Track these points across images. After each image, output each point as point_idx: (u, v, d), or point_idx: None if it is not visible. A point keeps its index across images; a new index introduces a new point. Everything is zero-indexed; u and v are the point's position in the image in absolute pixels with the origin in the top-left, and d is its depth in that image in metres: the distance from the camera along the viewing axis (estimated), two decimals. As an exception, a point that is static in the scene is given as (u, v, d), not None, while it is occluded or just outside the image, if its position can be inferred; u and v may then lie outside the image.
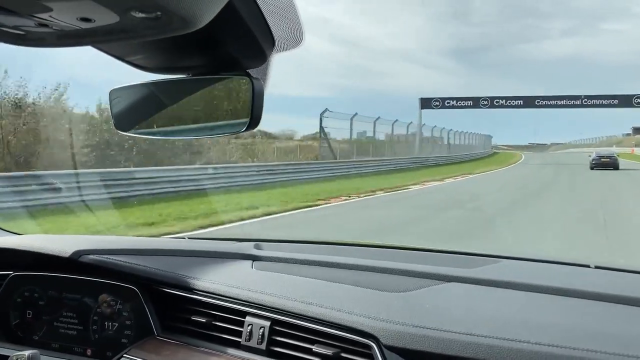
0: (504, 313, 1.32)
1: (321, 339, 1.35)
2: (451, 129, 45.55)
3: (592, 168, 30.39)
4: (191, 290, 1.60)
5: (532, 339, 1.11)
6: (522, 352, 1.09)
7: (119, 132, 1.02)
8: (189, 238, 2.60)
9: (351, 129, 27.30)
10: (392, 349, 1.22)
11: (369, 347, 1.26)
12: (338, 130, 26.55)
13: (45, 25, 0.65)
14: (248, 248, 1.95)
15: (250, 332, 1.46)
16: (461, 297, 1.45)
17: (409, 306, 1.35)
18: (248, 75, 0.88)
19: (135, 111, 1.02)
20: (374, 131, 31.03)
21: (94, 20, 0.64)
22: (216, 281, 1.59)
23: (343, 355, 1.31)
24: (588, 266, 1.73)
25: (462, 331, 1.17)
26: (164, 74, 0.95)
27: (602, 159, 31.15)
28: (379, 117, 30.60)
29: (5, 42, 0.71)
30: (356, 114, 27.13)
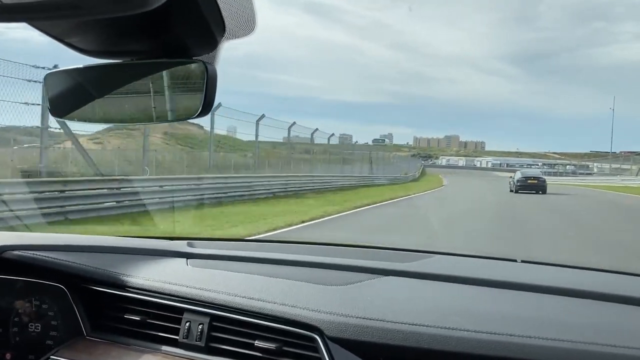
0: (442, 304, 1.37)
1: (263, 334, 1.34)
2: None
3: (516, 191, 26.51)
4: (124, 287, 1.53)
5: (472, 328, 1.16)
6: (464, 340, 1.13)
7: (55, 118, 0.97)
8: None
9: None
10: (336, 340, 1.23)
11: (312, 339, 1.26)
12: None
13: None
14: (181, 246, 1.91)
15: (189, 328, 1.42)
16: (400, 290, 1.49)
17: (350, 299, 1.36)
18: (200, 60, 0.85)
19: (73, 96, 0.96)
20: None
21: None
22: (150, 278, 1.53)
23: (285, 349, 1.30)
24: (515, 260, 1.84)
25: (404, 321, 1.20)
26: (106, 58, 0.90)
27: (529, 181, 27.11)
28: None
29: None
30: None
